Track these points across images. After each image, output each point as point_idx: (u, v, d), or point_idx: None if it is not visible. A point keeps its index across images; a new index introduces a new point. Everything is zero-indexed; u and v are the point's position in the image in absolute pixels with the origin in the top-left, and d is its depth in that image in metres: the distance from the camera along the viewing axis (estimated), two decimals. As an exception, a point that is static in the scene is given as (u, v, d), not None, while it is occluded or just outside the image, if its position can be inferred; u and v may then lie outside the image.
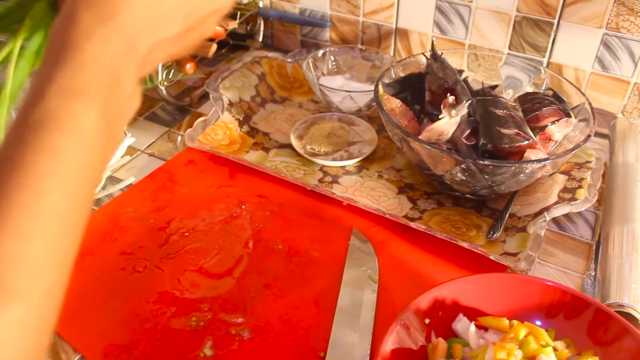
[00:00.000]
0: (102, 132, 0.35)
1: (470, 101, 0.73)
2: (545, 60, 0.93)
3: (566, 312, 0.55)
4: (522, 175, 0.68)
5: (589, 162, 0.79)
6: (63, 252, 0.34)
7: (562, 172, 0.78)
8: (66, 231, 0.34)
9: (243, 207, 0.76)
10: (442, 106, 0.72)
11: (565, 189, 0.74)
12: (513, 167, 0.66)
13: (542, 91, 0.82)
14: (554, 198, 0.74)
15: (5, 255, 0.31)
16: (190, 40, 0.46)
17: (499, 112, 0.72)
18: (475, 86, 0.82)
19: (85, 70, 0.34)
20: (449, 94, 0.73)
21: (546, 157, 0.69)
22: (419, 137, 0.71)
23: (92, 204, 0.35)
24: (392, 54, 1.05)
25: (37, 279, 0.32)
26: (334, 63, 0.99)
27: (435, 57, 0.80)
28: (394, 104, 0.76)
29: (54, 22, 0.37)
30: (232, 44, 1.16)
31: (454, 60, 0.84)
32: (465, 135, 0.71)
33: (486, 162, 0.65)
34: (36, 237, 0.32)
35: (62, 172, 0.32)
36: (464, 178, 0.69)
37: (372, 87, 0.91)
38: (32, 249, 0.32)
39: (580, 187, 0.74)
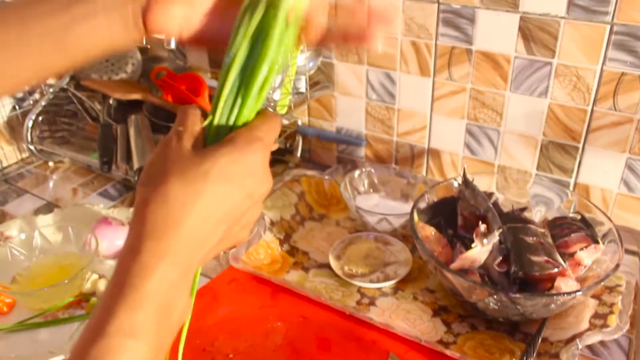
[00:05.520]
0: (149, 357, 0.41)
1: (501, 229, 0.77)
2: (572, 180, 0.97)
3: None
4: (553, 305, 0.71)
5: (619, 285, 0.81)
6: None
7: (593, 297, 0.80)
8: None
9: (283, 326, 0.79)
10: (474, 235, 0.76)
11: (596, 315, 0.76)
12: (544, 299, 0.69)
13: (570, 215, 0.85)
14: (585, 324, 0.75)
15: None
16: (233, 239, 0.50)
17: (529, 239, 0.76)
18: (506, 205, 0.86)
19: (141, 310, 0.40)
20: (480, 222, 0.77)
21: (576, 289, 0.72)
22: (453, 264, 0.75)
23: None
24: (424, 172, 1.10)
25: None
26: (369, 181, 1.04)
27: (466, 183, 0.84)
28: (428, 231, 0.81)
29: (120, 251, 0.44)
30: (272, 159, 1.22)
31: (484, 181, 0.89)
32: (497, 262, 0.75)
33: (517, 295, 0.68)
34: None
35: None
36: (497, 307, 0.72)
37: (407, 205, 0.96)
38: None
39: (611, 312, 0.76)
